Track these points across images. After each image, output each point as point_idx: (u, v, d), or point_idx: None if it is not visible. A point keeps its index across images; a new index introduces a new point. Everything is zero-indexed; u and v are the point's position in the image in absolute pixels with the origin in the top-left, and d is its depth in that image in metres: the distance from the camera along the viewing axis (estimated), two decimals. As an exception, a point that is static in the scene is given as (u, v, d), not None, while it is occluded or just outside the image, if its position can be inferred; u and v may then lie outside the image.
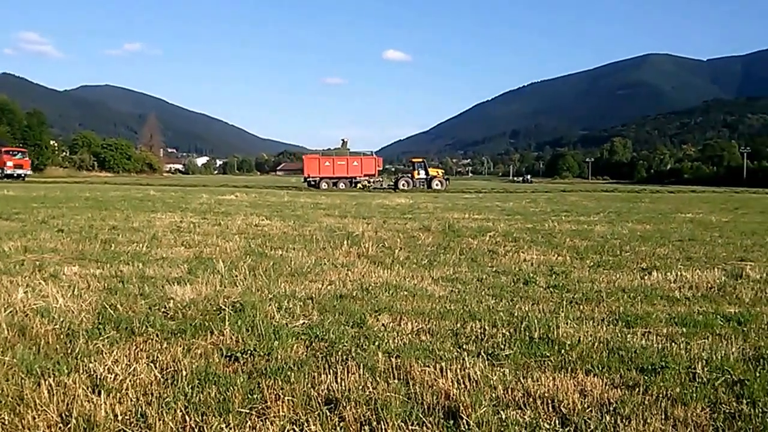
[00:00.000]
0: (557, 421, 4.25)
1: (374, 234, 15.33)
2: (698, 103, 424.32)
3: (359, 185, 59.76)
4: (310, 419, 4.17)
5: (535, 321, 6.64)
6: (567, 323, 6.60)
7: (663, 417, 4.32)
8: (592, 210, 27.51)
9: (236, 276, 9.00)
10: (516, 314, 7.10)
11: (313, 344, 5.82)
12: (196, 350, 5.59)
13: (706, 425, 4.23)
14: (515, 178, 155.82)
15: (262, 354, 5.44)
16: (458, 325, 6.62)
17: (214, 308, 7.00)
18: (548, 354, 5.61)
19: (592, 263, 11.12)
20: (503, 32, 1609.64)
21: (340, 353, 5.49)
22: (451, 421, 4.19)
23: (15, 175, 66.54)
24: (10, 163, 67.71)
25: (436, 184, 60.62)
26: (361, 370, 5.05)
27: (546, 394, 4.64)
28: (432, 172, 63.60)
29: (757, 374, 5.13)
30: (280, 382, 4.78)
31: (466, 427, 4.08)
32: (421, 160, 66.78)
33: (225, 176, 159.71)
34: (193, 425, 4.11)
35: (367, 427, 4.10)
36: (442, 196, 43.50)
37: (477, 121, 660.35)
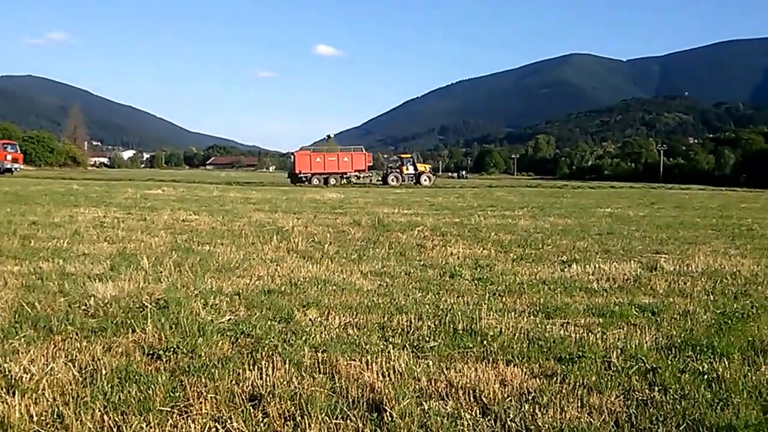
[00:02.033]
0: (478, 411, 4.35)
1: (304, 229, 15.29)
2: (618, 102, 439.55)
3: (344, 180, 59.23)
4: (233, 416, 4.14)
5: (460, 313, 6.79)
6: (490, 315, 6.76)
7: (579, 405, 4.47)
8: (517, 205, 28.17)
9: (161, 272, 8.82)
10: (441, 307, 7.22)
11: (239, 340, 5.77)
12: (116, 348, 5.47)
13: (620, 412, 4.38)
14: (451, 174, 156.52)
15: (186, 351, 5.36)
16: (385, 318, 6.69)
17: (137, 305, 6.85)
18: (471, 345, 5.73)
19: (515, 256, 11.41)
20: (432, 31, 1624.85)
21: (266, 349, 5.47)
22: (375, 414, 4.24)
23: (13, 169, 63.25)
24: (9, 157, 64.26)
25: (425, 180, 60.87)
26: (287, 365, 5.05)
27: (468, 385, 4.74)
28: (420, 167, 63.71)
29: (669, 362, 5.37)
30: (203, 380, 4.72)
31: (390, 419, 4.13)
32: (410, 155, 66.76)
33: (152, 170, 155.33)
34: (112, 425, 4.02)
35: (291, 422, 4.10)
36: (373, 191, 43.60)
37: (407, 118, 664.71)
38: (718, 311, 7.26)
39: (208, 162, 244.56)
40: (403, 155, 68.11)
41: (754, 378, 5.02)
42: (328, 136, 66.72)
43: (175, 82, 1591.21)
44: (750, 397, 4.63)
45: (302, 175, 58.84)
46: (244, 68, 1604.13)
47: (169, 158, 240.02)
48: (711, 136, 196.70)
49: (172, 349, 5.37)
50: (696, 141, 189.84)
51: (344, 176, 59.61)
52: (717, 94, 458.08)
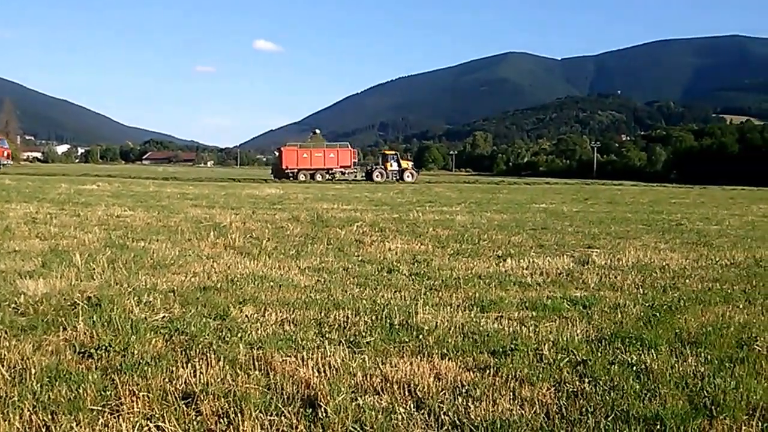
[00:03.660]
0: (412, 405, 4.39)
1: (242, 225, 15.15)
2: (553, 100, 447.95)
3: (327, 176, 59.03)
4: (165, 414, 4.09)
5: (396, 308, 6.84)
6: (426, 309, 6.83)
7: (511, 397, 4.56)
8: (455, 200, 28.54)
9: (94, 269, 8.62)
10: (378, 302, 7.27)
11: (173, 338, 5.69)
12: (47, 347, 5.35)
13: (551, 404, 4.48)
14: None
15: (118, 349, 5.26)
16: (322, 314, 6.69)
17: (69, 303, 6.70)
18: (407, 340, 5.78)
19: (452, 251, 11.55)
20: (371, 27, 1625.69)
21: (200, 346, 5.41)
22: (310, 410, 4.24)
23: (5, 164, 60.37)
24: (6, 153, 61.29)
25: (408, 176, 61.13)
26: (222, 362, 5.00)
27: (403, 379, 4.78)
28: (404, 164, 64.00)
29: (599, 354, 5.52)
30: (135, 378, 4.65)
31: (324, 414, 4.14)
32: (394, 152, 67.60)
33: (87, 165, 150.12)
34: (41, 424, 3.93)
35: (224, 420, 4.07)
36: (313, 187, 43.48)
37: (347, 113, 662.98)
38: (647, 304, 7.50)
39: (144, 157, 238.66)
40: (387, 152, 68.79)
41: (680, 369, 5.19)
42: (314, 132, 66.10)
43: (111, 75, 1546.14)
44: (677, 387, 4.78)
45: (289, 170, 58.58)
46: (182, 62, 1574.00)
47: (104, 153, 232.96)
48: (643, 133, 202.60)
49: (103, 348, 5.27)
50: (628, 138, 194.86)
51: (329, 172, 59.55)
52: (649, 92, 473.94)
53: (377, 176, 60.43)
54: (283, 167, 59.22)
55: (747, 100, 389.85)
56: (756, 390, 4.68)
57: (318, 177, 58.14)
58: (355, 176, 61.64)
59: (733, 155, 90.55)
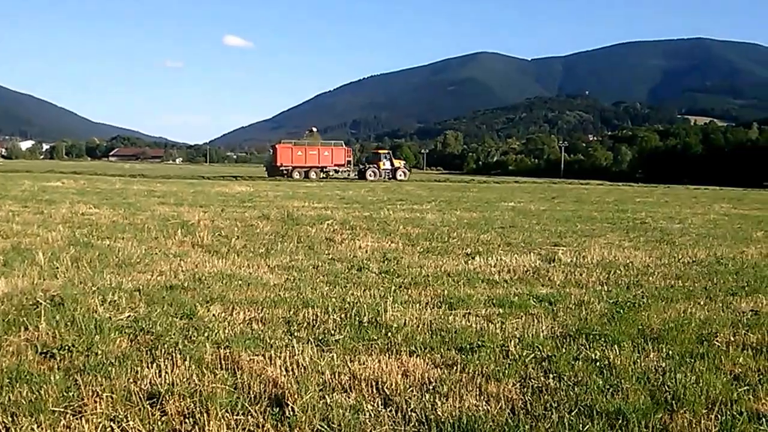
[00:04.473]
0: (380, 402, 4.41)
1: (211, 223, 15.03)
2: (523, 100, 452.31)
3: (321, 174, 58.98)
4: (129, 415, 4.04)
5: (366, 306, 6.85)
6: (395, 307, 6.86)
7: (477, 393, 4.60)
8: (425, 199, 28.63)
9: (57, 268, 8.51)
10: (348, 300, 7.27)
11: (138, 338, 5.62)
12: (7, 348, 5.25)
13: (516, 399, 4.52)
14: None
15: (81, 350, 5.17)
16: (291, 312, 6.66)
17: (31, 302, 6.57)
18: (376, 337, 5.79)
19: (422, 249, 11.60)
20: (343, 24, 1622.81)
21: (166, 346, 5.35)
22: (277, 408, 4.22)
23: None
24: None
25: (400, 175, 61.35)
26: (188, 362, 4.95)
27: (371, 377, 4.79)
28: (396, 163, 64.27)
29: (564, 350, 5.59)
30: (99, 379, 4.58)
31: (292, 413, 4.12)
32: (387, 151, 68.00)
33: (52, 162, 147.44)
34: (1, 427, 3.86)
35: (190, 420, 4.03)
36: (283, 185, 43.21)
37: (319, 111, 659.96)
38: (611, 301, 7.59)
39: (111, 153, 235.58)
40: (380, 151, 69.01)
41: (643, 364, 5.28)
42: (311, 130, 65.90)
43: (77, 70, 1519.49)
44: (639, 382, 4.85)
45: (283, 168, 58.45)
46: (150, 57, 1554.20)
47: (70, 149, 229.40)
48: (610, 133, 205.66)
49: (66, 348, 5.18)
50: (595, 138, 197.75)
51: (323, 170, 59.54)
52: (616, 93, 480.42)
53: (370, 175, 60.60)
54: (278, 165, 59.11)
55: (711, 102, 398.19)
56: (715, 385, 4.77)
57: (312, 175, 58.11)
58: (349, 174, 61.52)
59: (696, 155, 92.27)
